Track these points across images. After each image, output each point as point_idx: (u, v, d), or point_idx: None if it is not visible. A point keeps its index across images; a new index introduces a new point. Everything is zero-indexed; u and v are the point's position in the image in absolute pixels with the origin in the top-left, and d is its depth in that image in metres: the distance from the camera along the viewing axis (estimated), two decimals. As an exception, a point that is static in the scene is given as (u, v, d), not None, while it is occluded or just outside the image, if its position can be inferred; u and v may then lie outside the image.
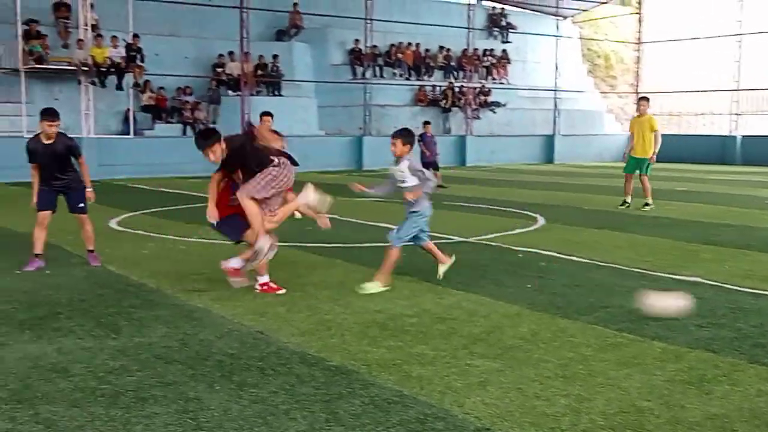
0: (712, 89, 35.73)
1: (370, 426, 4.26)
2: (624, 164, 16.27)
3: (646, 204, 15.28)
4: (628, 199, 15.59)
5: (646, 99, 15.81)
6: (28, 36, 23.10)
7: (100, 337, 6.01)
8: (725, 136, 34.61)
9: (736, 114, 34.70)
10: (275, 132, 11.88)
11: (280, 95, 28.74)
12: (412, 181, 7.94)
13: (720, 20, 34.62)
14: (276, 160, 7.48)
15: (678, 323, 6.46)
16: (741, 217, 13.98)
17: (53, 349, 5.66)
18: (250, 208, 7.26)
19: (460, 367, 5.30)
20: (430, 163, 19.51)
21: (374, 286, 7.68)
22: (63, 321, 6.48)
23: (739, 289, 7.80)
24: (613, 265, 9.14)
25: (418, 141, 20.34)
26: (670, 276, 8.51)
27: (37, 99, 23.65)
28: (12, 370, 5.18)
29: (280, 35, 31.59)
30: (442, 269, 8.33)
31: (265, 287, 7.67)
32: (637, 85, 38.71)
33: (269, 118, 13.82)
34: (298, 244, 10.66)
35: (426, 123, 20.87)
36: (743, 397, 4.75)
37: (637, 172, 15.57)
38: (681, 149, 33.94)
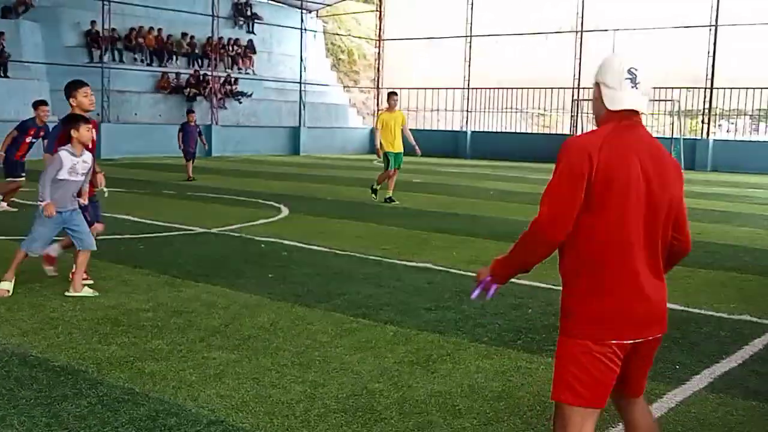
0: (446, 87, 37.99)
1: (96, 427, 4.04)
2: (380, 160, 15.88)
3: (390, 198, 15.27)
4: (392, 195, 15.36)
5: (395, 94, 15.91)
6: None
7: None
8: (457, 131, 37.02)
9: (467, 111, 37.24)
10: None
11: (6, 77, 26.44)
12: None
13: (453, 22, 36.89)
14: None
15: (409, 307, 6.80)
16: (469, 207, 15.02)
17: None
18: None
19: (196, 361, 5.20)
20: (189, 153, 19.45)
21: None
22: None
23: (465, 273, 8.37)
24: (352, 254, 9.42)
25: (179, 131, 19.77)
26: (404, 262, 8.94)
27: None
28: None
29: (6, 12, 29.03)
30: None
31: None
32: (377, 81, 40.25)
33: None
34: (20, 237, 9.85)
35: (189, 112, 20.50)
36: (464, 373, 5.10)
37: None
38: (419, 142, 35.71)
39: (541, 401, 4.60)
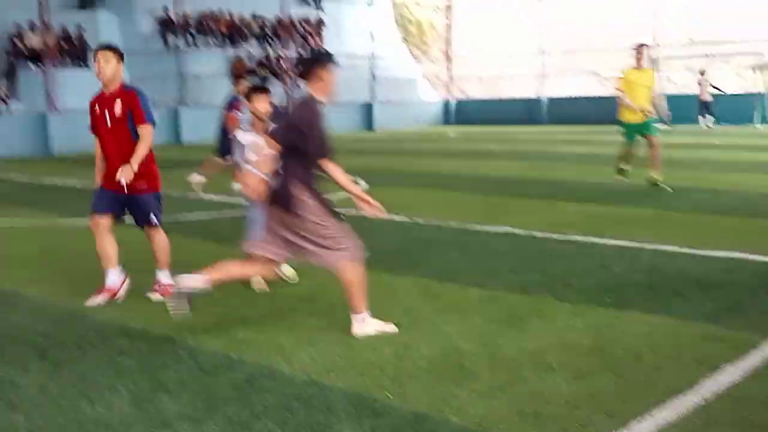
0: (518, 52, 37.47)
1: (197, 390, 4.19)
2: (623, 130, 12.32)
3: (657, 182, 11.85)
4: (628, 167, 12.38)
5: (646, 45, 12.36)
6: None
7: None
8: (531, 98, 36.49)
9: (542, 76, 36.65)
10: None
11: (87, 67, 27.26)
12: None
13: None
14: None
15: (493, 270, 6.80)
16: (547, 171, 14.83)
17: None
18: None
19: (288, 326, 5.32)
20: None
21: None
22: None
23: (546, 236, 8.30)
24: (434, 222, 9.44)
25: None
26: (485, 228, 8.91)
27: None
28: None
29: (84, 4, 29.90)
30: None
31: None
32: (448, 51, 39.94)
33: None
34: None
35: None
36: (554, 331, 5.08)
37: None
38: (491, 111, 35.47)
39: (634, 355, 4.56)
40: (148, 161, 6.25)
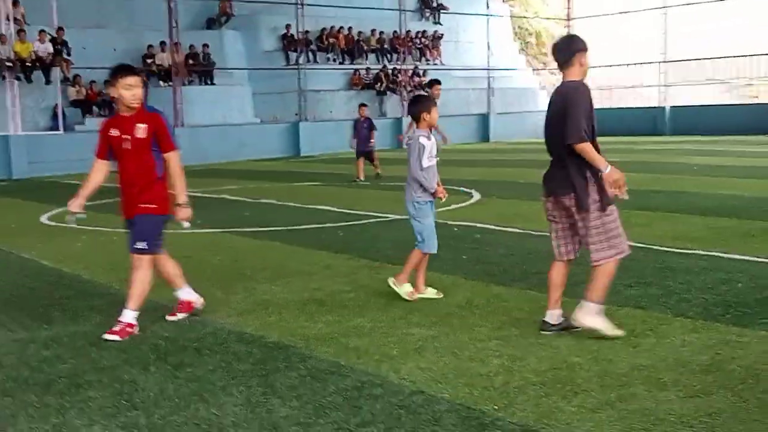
0: (641, 62, 36.46)
1: (307, 396, 4.29)
2: None
3: None
4: None
5: None
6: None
7: (32, 328, 5.90)
8: (655, 107, 35.40)
9: (665, 85, 35.51)
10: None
11: (213, 84, 28.40)
12: None
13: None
14: None
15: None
16: (670, 183, 14.35)
17: (-17, 343, 5.55)
18: None
19: (397, 336, 5.37)
20: (358, 151, 17.28)
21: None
22: (-7, 315, 6.35)
23: (667, 249, 8.04)
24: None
25: (352, 128, 17.91)
26: None
27: (-41, 97, 22.98)
28: (-59, 366, 5.06)
29: (210, 23, 31.19)
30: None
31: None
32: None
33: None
34: (236, 229, 10.60)
35: (361, 105, 18.40)
36: (669, 347, 4.91)
37: None
38: (613, 121, 34.60)
39: (754, 374, 4.36)
40: (160, 185, 5.80)
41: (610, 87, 37.64)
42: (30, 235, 10.66)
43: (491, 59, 35.25)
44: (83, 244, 9.88)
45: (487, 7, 36.09)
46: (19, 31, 23.25)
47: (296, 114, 29.34)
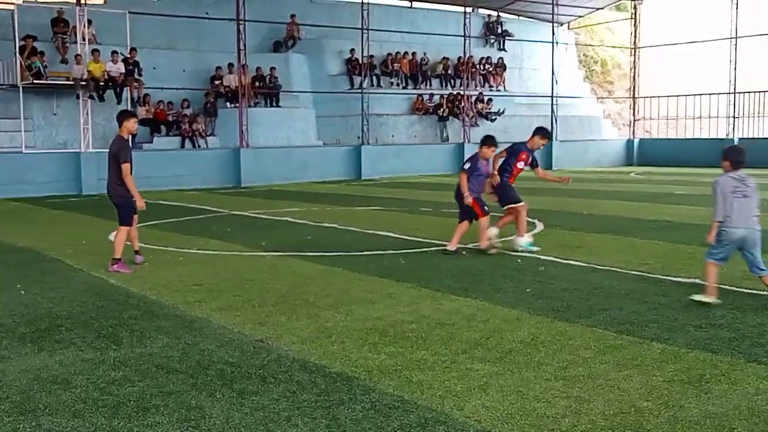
0: (709, 92, 35.82)
1: (371, 430, 4.28)
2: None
3: None
4: None
5: None
6: (26, 52, 23.16)
7: (101, 348, 6.03)
8: (723, 138, 34.67)
9: (733, 117, 34.78)
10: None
11: (278, 106, 28.81)
12: None
13: (715, 23, 34.74)
14: None
15: (677, 324, 6.49)
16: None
17: (54, 361, 5.68)
18: None
19: (461, 372, 5.32)
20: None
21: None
22: (64, 333, 6.50)
23: (737, 289, 7.83)
24: (612, 268, 9.16)
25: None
26: (669, 278, 8.54)
27: (35, 114, 23.74)
28: (14, 383, 5.20)
29: (277, 47, 31.69)
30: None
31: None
32: (633, 90, 38.81)
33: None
34: (298, 253, 10.68)
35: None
36: (742, 395, 4.77)
37: None
38: (679, 152, 34.05)
39: (835, 429, 4.19)
40: None
41: (677, 117, 36.99)
42: (98, 253, 10.90)
43: (555, 87, 35.01)
44: (150, 263, 10.07)
45: (553, 34, 35.92)
46: (93, 51, 23.96)
47: (358, 137, 29.56)
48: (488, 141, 11.07)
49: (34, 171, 22.26)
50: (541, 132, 11.65)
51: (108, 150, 9.86)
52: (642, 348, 5.83)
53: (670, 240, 11.46)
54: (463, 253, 10.59)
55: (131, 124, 9.85)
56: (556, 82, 35.00)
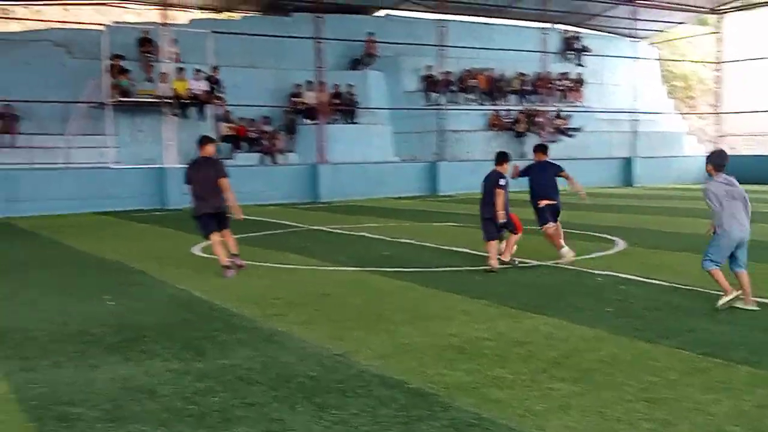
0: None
1: (450, 448, 4.28)
2: None
3: None
4: None
5: None
6: (114, 71, 24.02)
7: (185, 359, 6.18)
8: (813, 155, 33.42)
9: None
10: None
11: (355, 123, 29.09)
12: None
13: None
14: None
15: (766, 347, 6.29)
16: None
17: (141, 371, 5.86)
18: None
19: (540, 391, 5.27)
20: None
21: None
22: (150, 344, 6.69)
23: (830, 312, 7.54)
24: (696, 288, 8.92)
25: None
26: (755, 299, 8.26)
27: (122, 131, 24.53)
28: (103, 391, 5.38)
29: (355, 64, 32.03)
30: (725, 300, 7.82)
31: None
32: (717, 106, 37.80)
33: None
34: (376, 268, 10.75)
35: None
36: (837, 423, 4.59)
37: None
38: (765, 169, 32.94)
39: None
40: None
41: (763, 134, 35.83)
42: (183, 266, 11.20)
43: (636, 102, 34.38)
44: (233, 277, 10.27)
45: (633, 49, 35.33)
46: (179, 70, 24.69)
47: (435, 153, 29.58)
48: (505, 156, 11.20)
49: (121, 185, 23.00)
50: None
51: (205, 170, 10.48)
52: (730, 371, 5.66)
53: (757, 259, 11.07)
54: (515, 262, 10.91)
55: (211, 149, 10.73)
56: (637, 97, 34.37)
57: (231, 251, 10.58)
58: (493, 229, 10.68)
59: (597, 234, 14.55)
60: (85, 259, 12.49)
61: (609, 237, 13.99)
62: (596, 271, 10.28)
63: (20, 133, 23.37)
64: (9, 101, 23.02)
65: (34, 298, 8.99)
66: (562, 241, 11.25)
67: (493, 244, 10.68)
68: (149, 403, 5.12)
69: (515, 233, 10.95)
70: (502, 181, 10.73)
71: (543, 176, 11.57)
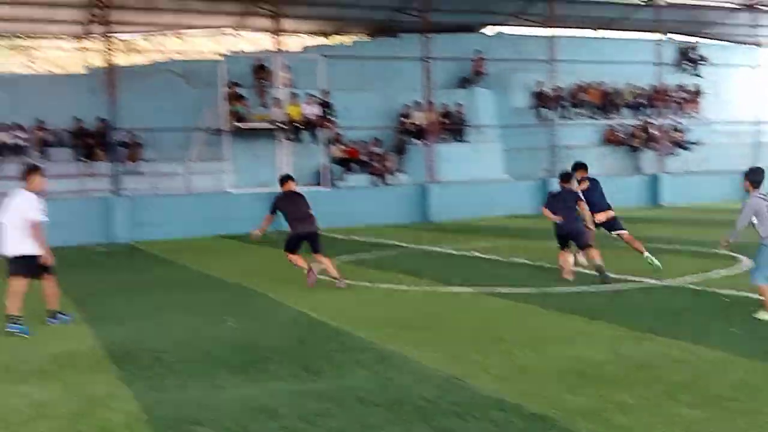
0: None
1: (572, 475, 4.18)
2: None
3: None
4: None
5: None
6: (230, 98, 24.88)
7: (304, 380, 6.30)
8: None
9: None
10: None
11: (464, 141, 29.05)
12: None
13: None
14: None
15: None
16: None
17: (262, 392, 6.00)
18: None
19: (666, 417, 5.08)
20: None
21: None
22: (270, 365, 6.85)
23: None
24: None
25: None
26: None
27: (239, 156, 25.33)
28: (226, 411, 5.54)
29: (463, 82, 32.02)
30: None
31: None
32: None
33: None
34: (490, 289, 10.67)
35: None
36: None
37: None
38: None
39: None
40: None
41: None
42: (298, 287, 11.43)
43: (758, 112, 32.90)
44: (347, 298, 10.41)
45: (753, 57, 33.89)
46: (292, 95, 25.36)
47: (546, 170, 29.15)
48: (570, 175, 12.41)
49: (239, 209, 23.67)
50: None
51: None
52: None
53: None
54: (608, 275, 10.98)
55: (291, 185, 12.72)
56: (762, 107, 32.88)
57: (331, 274, 11.42)
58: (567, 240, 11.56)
59: (720, 251, 13.93)
60: (206, 280, 12.94)
61: (734, 255, 13.39)
62: (721, 291, 9.87)
63: (144, 160, 24.54)
64: (135, 130, 24.20)
65: (160, 318, 9.37)
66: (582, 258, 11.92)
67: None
68: (270, 423, 5.23)
69: (585, 248, 11.53)
70: (582, 195, 12.08)
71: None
